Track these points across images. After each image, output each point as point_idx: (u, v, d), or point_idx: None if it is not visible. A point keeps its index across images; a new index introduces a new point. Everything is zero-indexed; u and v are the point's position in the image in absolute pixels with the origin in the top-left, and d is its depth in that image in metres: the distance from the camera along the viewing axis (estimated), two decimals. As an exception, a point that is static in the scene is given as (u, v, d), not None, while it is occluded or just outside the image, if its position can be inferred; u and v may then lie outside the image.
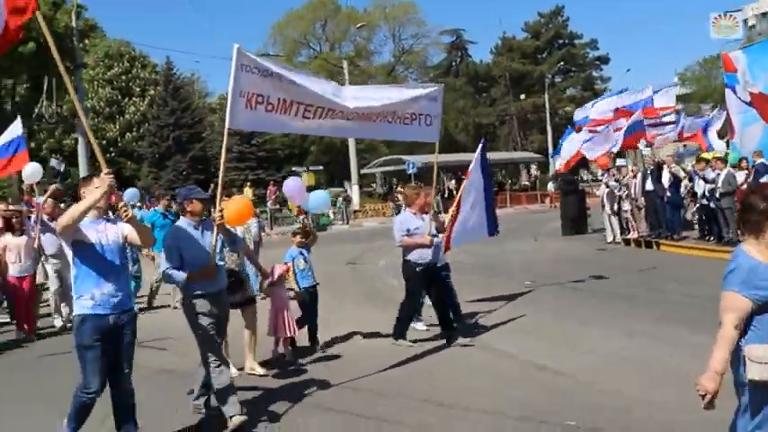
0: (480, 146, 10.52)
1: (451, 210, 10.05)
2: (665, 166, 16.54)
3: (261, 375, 7.75)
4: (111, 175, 5.21)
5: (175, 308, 11.56)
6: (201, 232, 6.30)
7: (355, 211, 38.86)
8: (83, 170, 27.85)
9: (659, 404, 6.00)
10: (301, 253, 8.78)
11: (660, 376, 6.80)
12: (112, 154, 46.87)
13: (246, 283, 7.94)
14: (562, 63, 62.18)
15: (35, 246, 10.89)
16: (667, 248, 16.42)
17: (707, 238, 15.86)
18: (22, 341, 10.47)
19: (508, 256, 16.99)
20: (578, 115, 22.39)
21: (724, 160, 15.09)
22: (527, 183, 52.72)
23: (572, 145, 20.62)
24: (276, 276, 8.24)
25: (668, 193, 16.47)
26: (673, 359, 7.27)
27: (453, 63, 70.73)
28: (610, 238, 18.59)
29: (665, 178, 16.37)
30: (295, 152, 56.09)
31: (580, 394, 6.47)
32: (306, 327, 8.87)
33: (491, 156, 45.83)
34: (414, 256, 8.80)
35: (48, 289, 11.78)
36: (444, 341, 8.81)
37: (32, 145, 43.53)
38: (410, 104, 8.01)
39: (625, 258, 15.86)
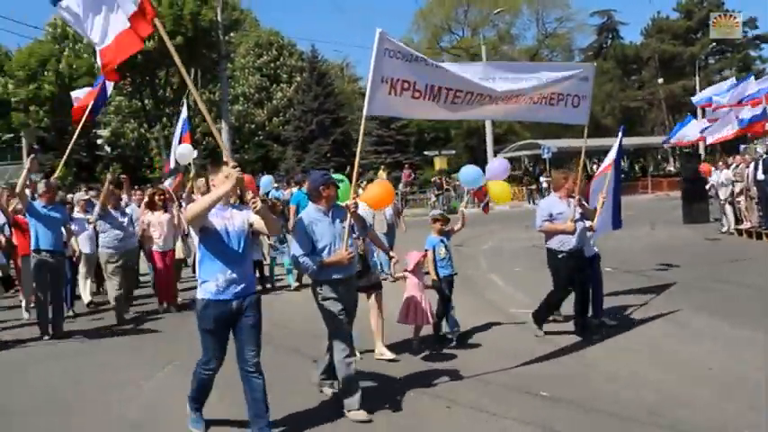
0: (620, 134, 9.98)
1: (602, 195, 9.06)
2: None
3: (389, 360, 7.68)
4: (239, 169, 5.28)
5: (296, 288, 12.45)
6: (332, 218, 6.22)
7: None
8: (226, 156, 29.48)
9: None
10: (442, 241, 8.50)
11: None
12: (260, 137, 49.54)
13: (373, 268, 7.85)
14: (714, 44, 59.33)
15: (176, 223, 11.55)
16: None
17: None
18: (163, 311, 11.25)
19: (612, 243, 16.97)
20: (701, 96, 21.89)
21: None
22: (671, 168, 50.97)
23: (690, 130, 20.31)
24: (412, 265, 8.09)
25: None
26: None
27: (603, 45, 69.23)
28: (725, 228, 18.19)
29: (775, 168, 15.85)
30: (440, 135, 57.02)
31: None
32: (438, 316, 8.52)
33: (639, 140, 44.96)
34: (554, 242, 8.44)
35: (187, 264, 12.58)
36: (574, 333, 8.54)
37: (187, 130, 46.95)
38: (557, 84, 7.66)
39: (729, 249, 15.55)
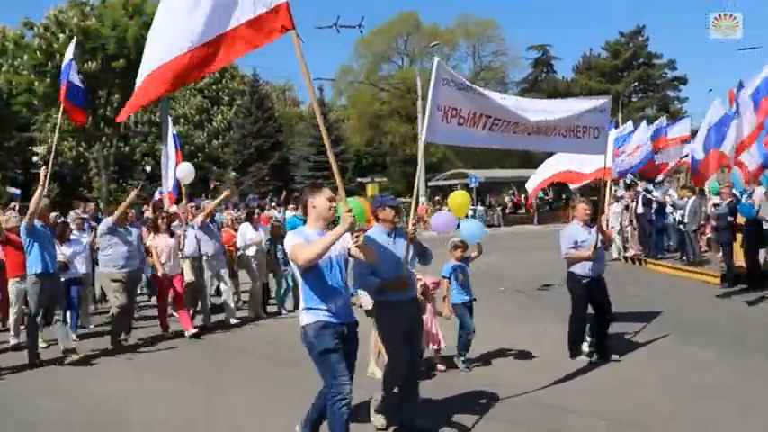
0: None
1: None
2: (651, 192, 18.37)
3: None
4: (351, 213, 5.05)
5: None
6: (394, 240, 6.23)
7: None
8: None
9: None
10: (460, 266, 8.57)
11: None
12: (200, 159, 50.19)
13: None
14: (636, 83, 62.54)
15: (181, 247, 11.41)
16: (652, 267, 17.98)
17: (682, 258, 17.24)
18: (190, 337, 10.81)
19: (499, 267, 18.13)
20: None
21: (692, 189, 16.59)
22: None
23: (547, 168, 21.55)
24: (428, 287, 8.20)
25: (653, 217, 18.36)
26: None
27: (538, 78, 72.01)
28: (615, 255, 19.80)
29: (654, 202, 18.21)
30: (378, 161, 58.55)
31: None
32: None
33: (510, 173, 46.77)
34: (577, 268, 8.77)
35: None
36: (596, 356, 8.83)
37: (126, 149, 47.43)
38: (581, 117, 7.93)
39: (608, 273, 17.09)
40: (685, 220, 16.55)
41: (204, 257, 11.74)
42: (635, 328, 10.32)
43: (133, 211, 13.81)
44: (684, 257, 17.08)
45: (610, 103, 8.23)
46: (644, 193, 18.59)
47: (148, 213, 15.33)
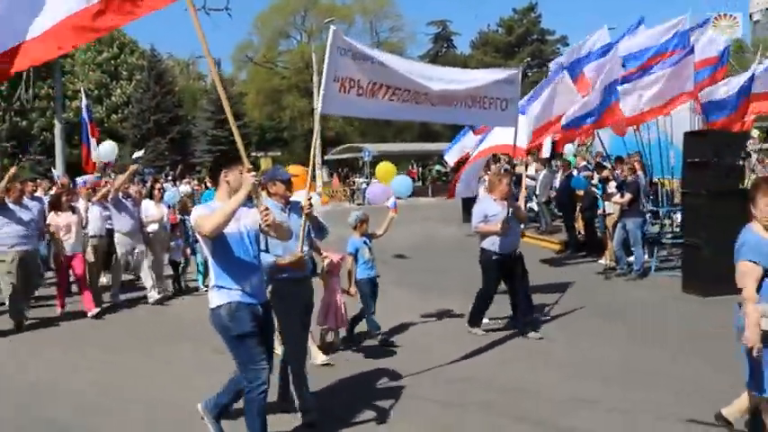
0: None
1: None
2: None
3: (323, 364, 7.56)
4: (254, 174, 4.85)
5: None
6: (288, 215, 5.93)
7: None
8: (59, 152, 29.95)
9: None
10: (365, 242, 8.39)
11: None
12: (99, 133, 50.30)
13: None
14: (529, 59, 65.27)
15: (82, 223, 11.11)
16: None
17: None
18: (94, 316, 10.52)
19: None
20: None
21: (543, 162, 18.51)
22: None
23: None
24: (334, 263, 8.08)
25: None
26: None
27: (438, 53, 74.16)
28: None
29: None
30: (281, 136, 59.44)
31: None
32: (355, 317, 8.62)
33: (405, 147, 48.66)
34: (488, 243, 8.69)
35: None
36: (515, 330, 8.86)
37: (24, 123, 47.29)
38: (489, 88, 7.75)
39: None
40: (537, 192, 18.25)
41: (117, 234, 11.43)
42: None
43: (31, 184, 13.56)
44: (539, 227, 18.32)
45: (519, 74, 8.14)
46: (506, 166, 19.80)
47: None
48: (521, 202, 9.38)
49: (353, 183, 42.76)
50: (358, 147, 45.95)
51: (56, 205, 10.84)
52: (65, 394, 7.08)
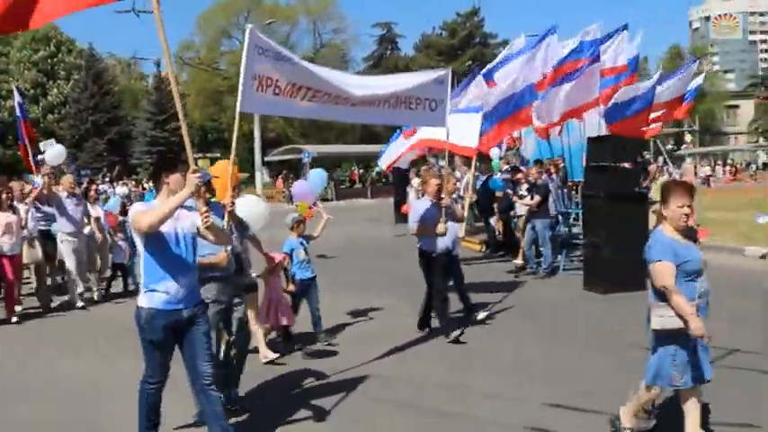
0: None
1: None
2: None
3: (270, 362, 7.58)
4: (199, 175, 4.83)
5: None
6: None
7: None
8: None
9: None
10: (301, 243, 8.38)
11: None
12: (35, 134, 49.42)
13: (248, 269, 7.46)
14: (471, 62, 66.06)
15: (22, 224, 10.85)
16: None
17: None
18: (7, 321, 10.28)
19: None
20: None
21: (468, 164, 18.85)
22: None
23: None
24: (276, 262, 8.05)
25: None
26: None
27: (383, 55, 74.70)
28: None
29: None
30: (224, 137, 59.02)
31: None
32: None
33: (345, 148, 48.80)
34: (425, 243, 8.71)
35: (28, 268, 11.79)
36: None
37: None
38: (415, 90, 7.80)
39: (403, 243, 19.33)
40: (461, 194, 18.65)
41: (60, 234, 11.24)
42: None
43: None
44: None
45: (449, 75, 8.16)
46: (437, 167, 20.46)
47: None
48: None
49: (292, 184, 42.69)
50: (298, 148, 46.03)
51: None
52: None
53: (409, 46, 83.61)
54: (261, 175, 45.71)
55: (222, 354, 6.24)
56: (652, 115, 12.90)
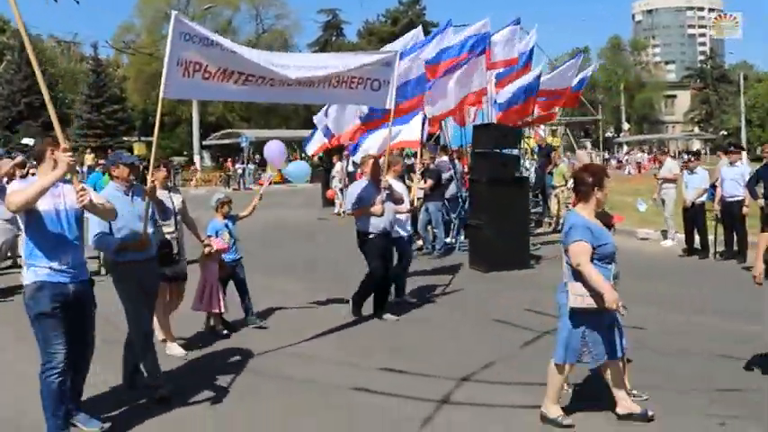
0: None
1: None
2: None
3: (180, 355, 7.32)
4: (70, 154, 4.79)
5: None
6: (131, 198, 5.99)
7: (185, 180, 41.96)
8: None
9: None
10: (226, 225, 8.23)
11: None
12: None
13: (182, 258, 7.39)
14: (411, 50, 66.69)
15: None
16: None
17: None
18: None
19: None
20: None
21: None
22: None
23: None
24: (215, 249, 7.89)
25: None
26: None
27: (328, 41, 74.77)
28: (336, 209, 22.34)
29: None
30: (165, 121, 58.57)
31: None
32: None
33: (284, 133, 49.02)
34: (362, 224, 8.60)
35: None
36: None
37: None
38: (359, 70, 7.82)
39: (325, 226, 19.98)
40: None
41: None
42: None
43: None
44: None
45: (397, 57, 8.29)
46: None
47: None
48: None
49: (229, 169, 42.83)
50: (237, 132, 46.10)
51: None
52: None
53: (353, 33, 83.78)
54: (200, 159, 45.79)
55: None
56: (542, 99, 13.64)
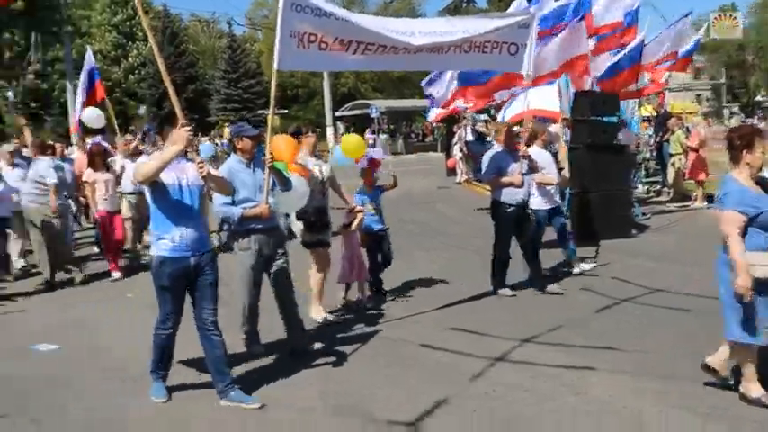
0: None
1: None
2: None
3: (330, 322, 7.53)
4: (189, 129, 5.17)
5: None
6: (253, 170, 6.24)
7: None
8: (72, 114, 30.67)
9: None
10: (370, 196, 8.27)
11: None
12: (117, 94, 51.43)
13: (329, 225, 7.61)
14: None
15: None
16: (474, 188, 19.97)
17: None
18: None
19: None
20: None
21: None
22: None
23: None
24: (357, 220, 7.89)
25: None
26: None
27: (458, 7, 73.66)
28: (458, 179, 22.21)
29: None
30: (300, 93, 59.76)
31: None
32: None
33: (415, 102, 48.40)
34: (501, 195, 8.28)
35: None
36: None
37: (45, 86, 48.35)
38: (492, 34, 7.37)
39: (441, 193, 20.17)
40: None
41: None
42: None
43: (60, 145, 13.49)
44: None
45: (533, 18, 7.71)
46: (471, 124, 20.59)
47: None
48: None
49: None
50: (366, 103, 46.28)
51: (92, 163, 10.78)
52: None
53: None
54: (332, 130, 46.28)
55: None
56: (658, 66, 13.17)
